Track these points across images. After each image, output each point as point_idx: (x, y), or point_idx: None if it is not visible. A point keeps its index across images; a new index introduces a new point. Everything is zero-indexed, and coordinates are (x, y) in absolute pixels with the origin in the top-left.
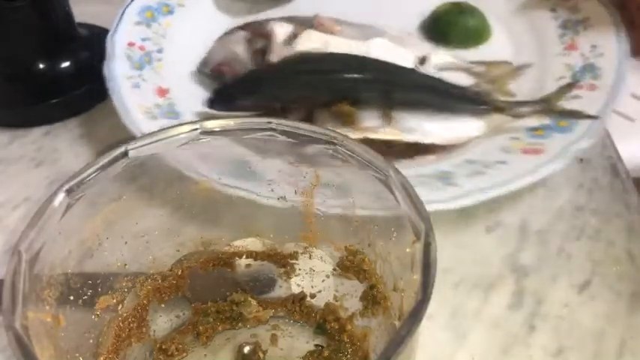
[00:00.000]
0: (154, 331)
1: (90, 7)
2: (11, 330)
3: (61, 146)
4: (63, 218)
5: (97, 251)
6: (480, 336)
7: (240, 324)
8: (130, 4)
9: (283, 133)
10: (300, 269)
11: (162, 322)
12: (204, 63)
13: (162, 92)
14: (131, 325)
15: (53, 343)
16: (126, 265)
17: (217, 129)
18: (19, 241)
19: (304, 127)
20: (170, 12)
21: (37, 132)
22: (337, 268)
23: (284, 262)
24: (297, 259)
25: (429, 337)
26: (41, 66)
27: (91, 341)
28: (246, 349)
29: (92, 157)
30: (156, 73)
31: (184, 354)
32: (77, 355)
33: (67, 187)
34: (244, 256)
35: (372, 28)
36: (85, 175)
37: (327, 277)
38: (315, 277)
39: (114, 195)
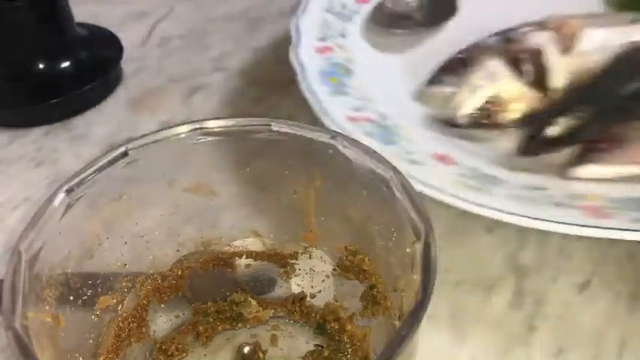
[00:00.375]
0: (154, 331)
1: (90, 7)
2: (11, 330)
3: (61, 146)
4: (63, 218)
5: (97, 251)
6: (480, 336)
7: (240, 324)
8: (302, 77)
9: (283, 133)
10: (300, 269)
11: (162, 322)
12: (458, 116)
13: (444, 159)
14: (131, 325)
15: (53, 343)
16: (126, 265)
17: (217, 129)
18: (19, 241)
19: (304, 127)
20: (348, 71)
21: (37, 132)
22: (337, 268)
23: (284, 262)
24: (297, 259)
25: (429, 337)
26: (41, 66)
27: (91, 341)
28: (246, 349)
29: (92, 157)
30: (404, 142)
31: (184, 354)
32: (77, 355)
33: (67, 187)
34: (244, 256)
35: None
36: (85, 175)
37: (327, 277)
38: (315, 277)
39: (114, 195)
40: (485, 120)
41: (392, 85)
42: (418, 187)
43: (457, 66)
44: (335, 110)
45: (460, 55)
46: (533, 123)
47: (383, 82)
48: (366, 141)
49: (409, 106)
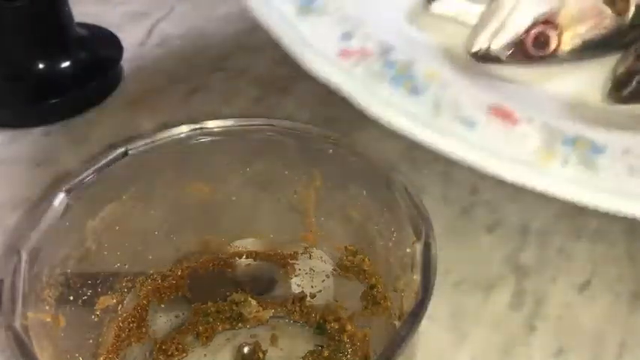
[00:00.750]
0: (154, 331)
1: (90, 7)
2: (11, 330)
3: (61, 146)
4: (63, 218)
5: (97, 251)
6: (481, 336)
7: (240, 324)
8: None
9: (283, 133)
10: (300, 269)
11: (162, 323)
12: (494, 47)
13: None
14: (131, 325)
15: (53, 343)
16: (126, 265)
17: (217, 129)
18: (18, 241)
19: (304, 127)
20: None
21: (36, 132)
22: (337, 268)
23: (284, 262)
24: (297, 259)
25: (429, 337)
26: (41, 66)
27: (91, 341)
28: (246, 349)
29: (92, 157)
30: (435, 89)
31: (184, 354)
32: (77, 355)
33: (67, 187)
34: (244, 256)
35: None
36: (85, 175)
37: (327, 277)
38: (315, 277)
39: (114, 195)
40: (536, 51)
41: (375, 3)
42: (488, 165)
43: None
44: (318, 40)
45: None
46: (606, 52)
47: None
48: (382, 89)
49: (408, 34)
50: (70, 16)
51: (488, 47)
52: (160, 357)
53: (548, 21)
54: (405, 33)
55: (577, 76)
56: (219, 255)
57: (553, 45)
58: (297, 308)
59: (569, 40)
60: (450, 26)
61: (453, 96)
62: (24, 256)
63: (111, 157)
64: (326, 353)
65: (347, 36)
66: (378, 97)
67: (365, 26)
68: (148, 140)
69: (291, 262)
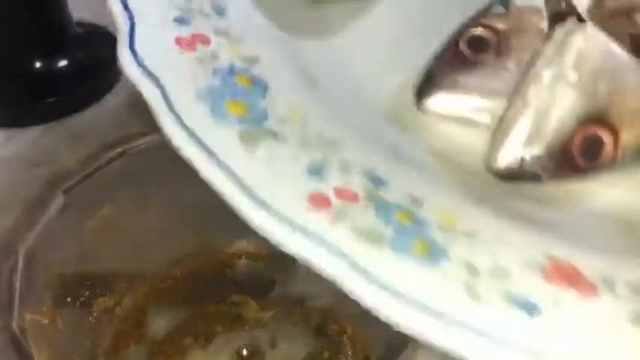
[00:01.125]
0: (153, 332)
1: (89, 6)
2: (8, 331)
3: (59, 146)
4: (60, 218)
5: (94, 252)
6: None
7: (239, 326)
8: (165, 112)
9: None
10: (300, 270)
11: (160, 324)
12: (528, 158)
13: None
14: (129, 326)
15: (50, 345)
16: (124, 265)
17: None
18: (16, 242)
19: None
20: (259, 84)
21: (34, 131)
22: None
23: (284, 263)
24: (297, 260)
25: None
26: (38, 64)
27: (89, 343)
28: (245, 352)
29: (90, 156)
30: (461, 247)
31: (183, 356)
32: (74, 357)
33: (65, 187)
34: (244, 257)
35: None
36: (83, 174)
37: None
38: (315, 278)
39: (112, 195)
40: (586, 162)
41: (339, 97)
42: None
43: (477, 52)
44: (274, 182)
45: (477, 32)
46: None
47: (322, 96)
48: (383, 261)
49: (397, 147)
50: (68, 14)
51: (521, 160)
52: (159, 359)
53: (597, 120)
54: (393, 146)
55: (624, 178)
56: (218, 255)
57: (609, 151)
58: (297, 309)
59: (630, 142)
60: (452, 127)
61: (488, 256)
62: (21, 257)
63: (110, 157)
64: (326, 355)
65: (316, 169)
66: (378, 277)
67: (339, 148)
68: (146, 140)
69: (291, 263)
